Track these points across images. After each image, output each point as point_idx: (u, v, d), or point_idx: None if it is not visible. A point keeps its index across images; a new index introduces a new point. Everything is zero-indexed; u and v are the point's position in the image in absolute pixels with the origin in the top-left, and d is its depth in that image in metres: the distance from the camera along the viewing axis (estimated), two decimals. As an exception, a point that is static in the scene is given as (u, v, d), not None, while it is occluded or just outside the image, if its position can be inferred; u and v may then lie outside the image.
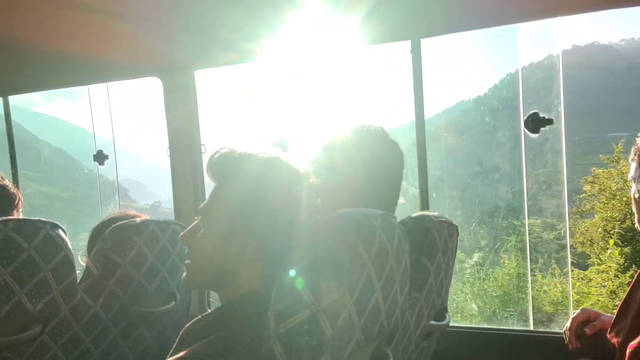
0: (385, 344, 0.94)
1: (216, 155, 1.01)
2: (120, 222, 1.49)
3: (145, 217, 1.60)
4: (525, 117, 1.73)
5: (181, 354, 0.83)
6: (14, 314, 1.15)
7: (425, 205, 1.82)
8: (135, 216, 1.65)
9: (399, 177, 1.35)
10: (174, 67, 2.17)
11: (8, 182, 1.54)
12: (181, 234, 1.04)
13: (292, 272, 0.77)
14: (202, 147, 2.19)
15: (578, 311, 1.50)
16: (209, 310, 1.65)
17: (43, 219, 1.24)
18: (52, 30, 1.92)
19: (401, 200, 1.42)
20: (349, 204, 1.20)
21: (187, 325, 1.02)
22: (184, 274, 1.03)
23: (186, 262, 1.03)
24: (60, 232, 1.26)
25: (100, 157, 2.50)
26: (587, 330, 1.44)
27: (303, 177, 1.02)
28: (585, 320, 1.47)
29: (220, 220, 0.97)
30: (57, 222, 1.26)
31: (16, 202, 1.52)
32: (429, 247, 1.25)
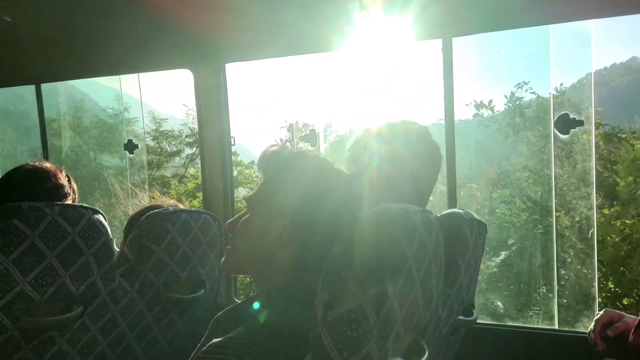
0: (420, 336, 0.97)
1: (268, 152, 1.07)
2: (154, 211, 1.53)
3: (180, 206, 1.63)
4: (555, 118, 1.74)
5: (219, 339, 0.85)
6: (58, 295, 1.20)
7: (453, 203, 1.84)
8: (174, 205, 1.69)
9: (436, 176, 1.41)
10: (206, 59, 2.20)
11: (65, 182, 1.58)
12: (227, 222, 1.09)
13: (338, 264, 0.80)
14: (232, 139, 2.23)
15: (601, 312, 1.51)
16: (237, 301, 1.69)
17: (85, 205, 1.28)
18: (85, 20, 1.97)
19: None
20: (411, 197, 1.30)
21: (218, 315, 1.05)
22: (223, 258, 1.08)
23: (226, 247, 1.08)
24: (101, 218, 1.30)
25: (130, 147, 2.55)
26: (609, 332, 1.44)
27: (349, 178, 1.08)
28: (608, 322, 1.48)
29: (265, 208, 1.03)
30: (97, 209, 1.31)
31: (67, 199, 1.58)
32: (461, 244, 1.27)
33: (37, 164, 1.58)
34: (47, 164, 1.59)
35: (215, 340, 0.85)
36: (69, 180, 1.62)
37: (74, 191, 1.62)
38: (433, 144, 1.40)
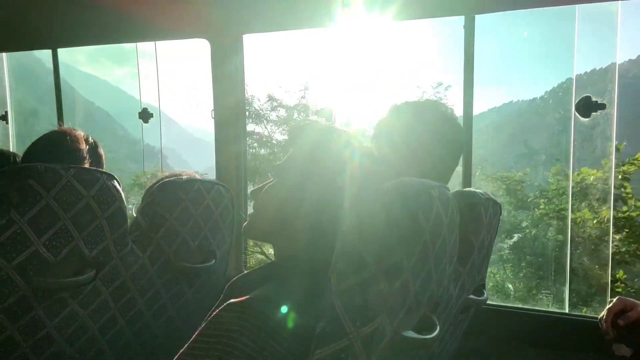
0: (431, 312, 0.96)
1: (299, 126, 1.12)
2: (168, 179, 1.53)
3: (196, 176, 1.63)
4: (576, 101, 1.70)
5: (237, 300, 0.86)
6: (72, 258, 1.20)
7: (467, 183, 1.82)
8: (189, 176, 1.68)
9: (456, 160, 1.41)
10: (223, 30, 2.17)
11: (83, 147, 1.59)
12: (252, 189, 1.12)
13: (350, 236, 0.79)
14: (247, 112, 2.21)
15: (614, 300, 1.49)
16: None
17: (100, 169, 1.28)
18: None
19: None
20: (417, 173, 1.27)
21: (234, 279, 1.07)
22: (245, 223, 1.11)
23: (249, 213, 1.11)
24: (115, 183, 1.30)
25: (145, 115, 2.54)
26: (620, 321, 1.43)
27: (354, 144, 1.07)
28: (621, 310, 1.46)
29: (289, 177, 1.06)
30: (112, 173, 1.30)
31: (84, 164, 1.58)
32: (475, 222, 1.25)
33: (63, 128, 1.59)
34: (70, 129, 1.60)
35: (233, 300, 0.86)
36: (95, 146, 1.63)
37: (99, 157, 1.62)
38: (458, 126, 1.40)
